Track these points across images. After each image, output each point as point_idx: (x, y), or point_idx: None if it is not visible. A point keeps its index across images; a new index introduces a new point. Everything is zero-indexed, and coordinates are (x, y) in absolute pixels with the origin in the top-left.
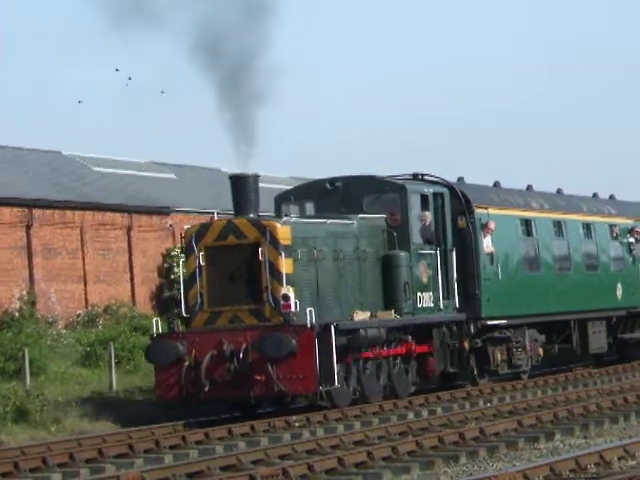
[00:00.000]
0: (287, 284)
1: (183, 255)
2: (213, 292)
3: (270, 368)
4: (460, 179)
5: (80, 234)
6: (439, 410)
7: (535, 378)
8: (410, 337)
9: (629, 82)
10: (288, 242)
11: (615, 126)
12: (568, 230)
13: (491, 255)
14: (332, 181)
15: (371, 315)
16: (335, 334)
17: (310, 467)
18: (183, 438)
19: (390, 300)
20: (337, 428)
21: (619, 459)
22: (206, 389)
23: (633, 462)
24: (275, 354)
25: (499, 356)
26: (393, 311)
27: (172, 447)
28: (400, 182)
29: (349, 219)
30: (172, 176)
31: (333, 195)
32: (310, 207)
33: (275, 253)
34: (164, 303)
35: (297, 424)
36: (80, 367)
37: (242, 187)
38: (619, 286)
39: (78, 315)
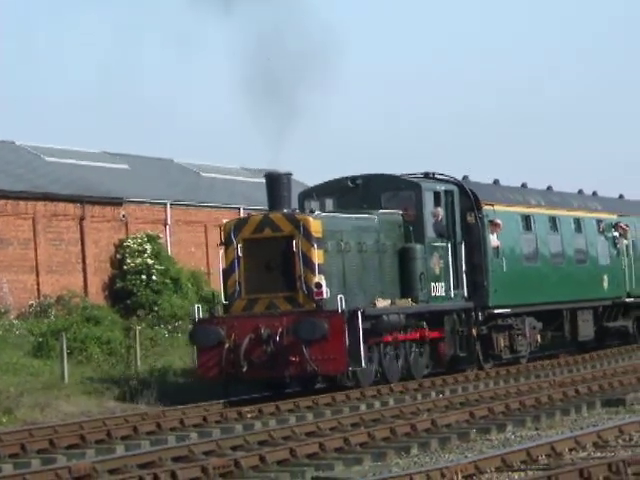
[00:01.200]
0: (319, 273)
1: (222, 247)
2: (250, 281)
3: (304, 350)
4: (465, 177)
5: (32, 224)
6: (391, 401)
7: (498, 368)
8: (425, 323)
9: (605, 84)
10: (319, 235)
11: (598, 126)
12: (561, 225)
13: (497, 249)
14: (353, 179)
15: (391, 302)
16: (361, 319)
17: (262, 458)
18: (134, 429)
19: (407, 289)
20: (289, 419)
21: (570, 450)
22: (244, 369)
23: (584, 453)
24: (309, 337)
25: (502, 342)
26: (410, 299)
27: (124, 438)
28: (415, 180)
29: (370, 214)
30: (125, 167)
31: (354, 192)
32: (329, 203)
33: (308, 245)
34: (116, 294)
35: (249, 415)
36: (32, 358)
37: (276, 184)
38: (605, 278)
39: (30, 305)
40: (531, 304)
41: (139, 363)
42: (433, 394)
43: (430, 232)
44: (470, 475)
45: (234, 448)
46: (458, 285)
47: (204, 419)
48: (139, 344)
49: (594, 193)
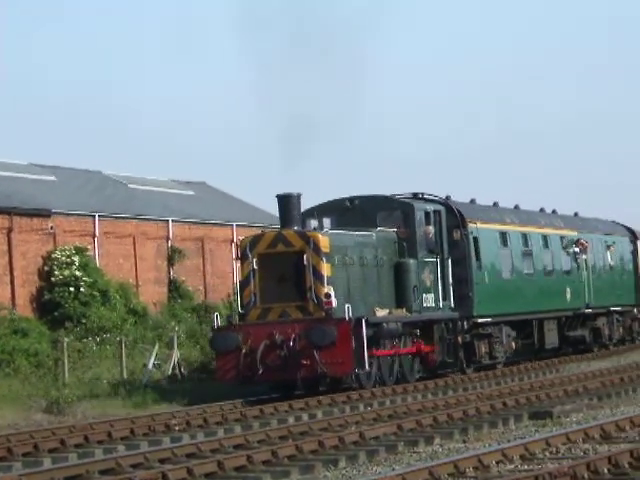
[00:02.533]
0: (327, 284)
1: (239, 261)
2: (265, 291)
3: (315, 354)
4: (448, 197)
5: None
6: (319, 414)
7: (429, 380)
8: (418, 331)
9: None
10: (327, 250)
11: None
12: (532, 241)
13: (479, 263)
14: (351, 200)
15: (389, 312)
16: (365, 327)
17: (190, 471)
18: (62, 441)
19: (401, 300)
20: (217, 432)
21: (497, 463)
22: (260, 372)
23: (511, 466)
24: (320, 342)
25: (483, 349)
26: (405, 309)
27: (51, 450)
28: (408, 201)
29: (369, 232)
30: (52, 178)
31: (352, 211)
32: (327, 222)
33: (317, 259)
34: (44, 306)
35: (177, 428)
36: None
37: (288, 204)
38: (568, 290)
39: None
40: (508, 314)
41: (67, 375)
42: (361, 407)
43: (421, 248)
44: None
45: (162, 461)
46: (446, 297)
47: (132, 432)
48: (67, 356)
49: (554, 211)
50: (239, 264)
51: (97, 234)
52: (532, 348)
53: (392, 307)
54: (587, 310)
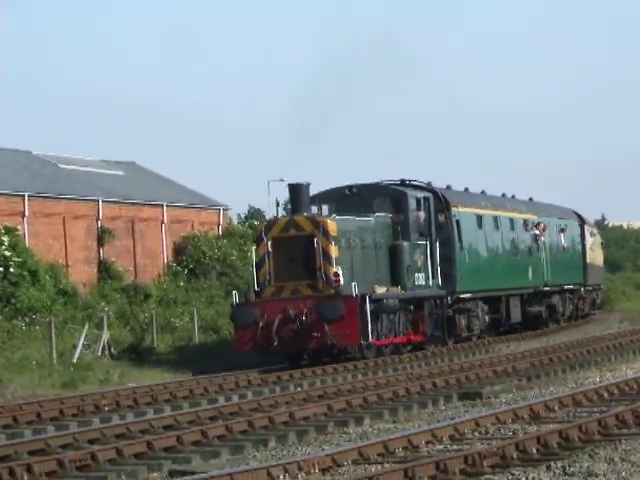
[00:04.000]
0: (335, 265)
1: (255, 244)
2: (278, 271)
3: (326, 327)
4: (429, 183)
5: None
6: (250, 394)
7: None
8: (412, 307)
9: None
10: (335, 234)
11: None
12: (501, 224)
13: (460, 244)
14: (349, 188)
15: (386, 290)
16: (369, 302)
17: (119, 451)
18: None
19: (396, 278)
20: (147, 412)
21: (427, 443)
22: (275, 343)
23: (440, 446)
24: (330, 317)
25: (463, 322)
26: (400, 287)
27: None
28: (401, 189)
29: (368, 217)
30: None
31: (350, 198)
32: (325, 208)
33: (326, 241)
34: None
35: (107, 408)
36: None
37: (299, 192)
38: (530, 269)
39: None
40: (483, 290)
41: None
42: (292, 387)
43: (413, 232)
44: (327, 468)
45: (91, 441)
46: (434, 275)
47: (61, 412)
48: None
49: (513, 196)
50: (255, 247)
51: (26, 214)
52: (499, 323)
53: (388, 285)
54: (545, 288)
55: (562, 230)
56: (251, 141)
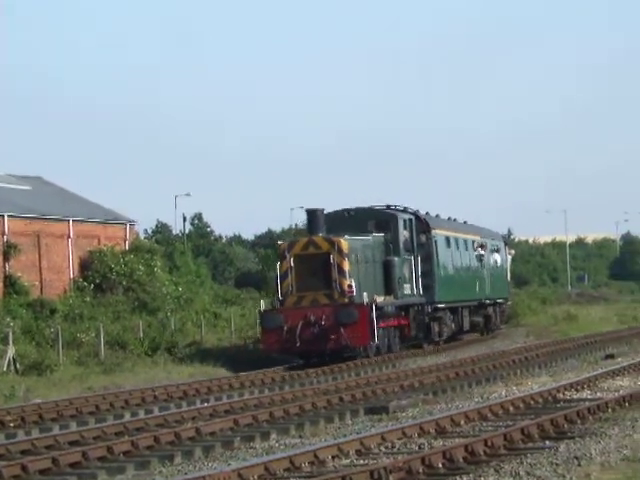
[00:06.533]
0: (348, 277)
1: (279, 260)
2: (299, 283)
3: (342, 330)
4: (405, 208)
5: None
6: (156, 410)
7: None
8: (403, 312)
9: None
10: (347, 251)
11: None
12: (460, 245)
13: (437, 260)
14: (348, 211)
15: (383, 298)
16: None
17: (24, 467)
18: None
19: (389, 289)
20: (52, 428)
21: (333, 458)
22: (297, 344)
23: (347, 461)
24: (346, 321)
25: (436, 328)
26: (392, 296)
27: None
28: (392, 212)
29: (368, 236)
30: None
31: (348, 220)
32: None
33: (340, 258)
34: None
35: (12, 424)
36: None
37: (315, 216)
38: (477, 284)
39: None
40: (451, 301)
41: None
42: (198, 402)
43: (402, 249)
44: None
45: None
46: (417, 286)
47: None
48: None
49: (464, 222)
50: (278, 262)
51: None
52: (460, 330)
53: (383, 294)
54: (486, 301)
55: (496, 250)
56: (158, 156)
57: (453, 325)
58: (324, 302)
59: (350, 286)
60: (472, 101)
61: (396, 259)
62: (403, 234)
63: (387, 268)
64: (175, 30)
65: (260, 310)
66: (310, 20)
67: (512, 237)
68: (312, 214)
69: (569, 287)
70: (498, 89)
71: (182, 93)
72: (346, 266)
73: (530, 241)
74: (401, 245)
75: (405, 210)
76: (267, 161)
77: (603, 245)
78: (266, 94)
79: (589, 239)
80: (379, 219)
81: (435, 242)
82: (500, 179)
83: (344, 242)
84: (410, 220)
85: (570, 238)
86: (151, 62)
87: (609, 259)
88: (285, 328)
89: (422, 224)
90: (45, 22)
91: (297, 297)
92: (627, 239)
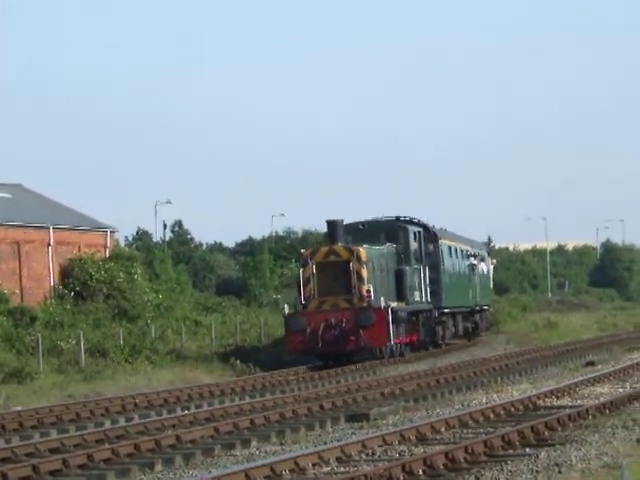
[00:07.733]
0: (367, 283)
1: (302, 267)
2: (321, 288)
3: (361, 332)
4: (412, 219)
5: None
6: (136, 417)
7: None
8: (414, 318)
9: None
10: (365, 259)
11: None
12: (458, 253)
13: (443, 268)
14: (363, 223)
15: (396, 304)
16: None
17: (4, 475)
18: None
19: (401, 295)
20: (33, 435)
21: (314, 465)
22: (320, 345)
23: (327, 468)
24: (365, 324)
25: (441, 332)
26: (404, 302)
27: None
28: (403, 225)
29: (382, 246)
30: None
31: (362, 232)
32: (350, 239)
33: (359, 265)
34: None
35: None
36: None
37: (336, 226)
38: (470, 292)
39: None
40: (454, 307)
41: None
42: (179, 410)
43: (412, 258)
44: None
45: None
46: (426, 293)
47: None
48: None
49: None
50: (301, 269)
51: None
52: (454, 333)
53: (395, 300)
54: (476, 307)
55: (482, 259)
56: (139, 163)
57: (454, 329)
58: (344, 306)
59: (368, 291)
60: (469, 104)
61: (407, 268)
62: (413, 245)
63: (399, 276)
64: (175, 30)
65: (284, 314)
66: (310, 20)
67: (492, 244)
68: (332, 225)
69: (549, 294)
70: (499, 91)
71: (164, 100)
72: (364, 273)
73: (510, 248)
74: (411, 255)
75: (412, 221)
76: (248, 169)
77: (583, 252)
78: (249, 101)
79: (569, 246)
80: (390, 231)
81: (441, 251)
82: (480, 186)
83: (363, 251)
84: (419, 232)
85: (550, 245)
86: (146, 67)
87: (589, 266)
88: (308, 330)
89: (430, 235)
90: (45, 22)
91: (319, 301)
92: (607, 246)
